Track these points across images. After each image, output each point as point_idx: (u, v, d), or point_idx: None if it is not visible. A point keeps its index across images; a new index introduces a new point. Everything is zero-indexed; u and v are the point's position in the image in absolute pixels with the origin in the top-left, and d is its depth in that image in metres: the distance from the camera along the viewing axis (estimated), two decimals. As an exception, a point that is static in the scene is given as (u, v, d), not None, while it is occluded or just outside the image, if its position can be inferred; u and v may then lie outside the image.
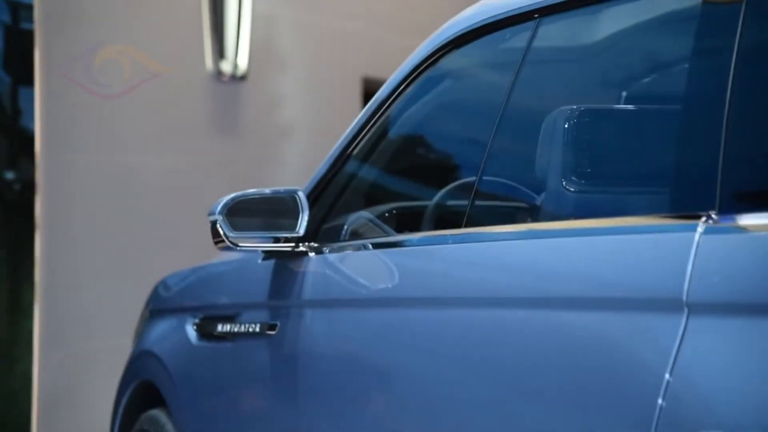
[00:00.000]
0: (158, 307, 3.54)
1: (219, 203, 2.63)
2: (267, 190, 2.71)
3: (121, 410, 3.47)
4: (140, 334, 3.59)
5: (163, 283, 3.64)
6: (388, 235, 2.75)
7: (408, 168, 3.02)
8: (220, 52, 5.46)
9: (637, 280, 1.74)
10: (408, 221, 2.80)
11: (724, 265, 1.61)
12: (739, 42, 1.72)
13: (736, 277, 1.60)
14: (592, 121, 2.21)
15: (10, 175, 5.01)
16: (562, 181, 2.15)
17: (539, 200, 2.32)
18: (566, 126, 2.17)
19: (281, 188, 2.74)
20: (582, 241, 1.93)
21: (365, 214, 2.81)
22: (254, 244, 2.73)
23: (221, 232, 2.60)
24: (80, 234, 4.93)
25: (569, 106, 2.19)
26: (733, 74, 1.70)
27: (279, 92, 5.88)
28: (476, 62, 2.67)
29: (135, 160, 5.23)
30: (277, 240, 2.67)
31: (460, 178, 2.72)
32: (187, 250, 4.61)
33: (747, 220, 1.61)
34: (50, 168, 4.80)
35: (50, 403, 4.88)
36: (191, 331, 3.18)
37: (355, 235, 2.76)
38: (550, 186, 2.23)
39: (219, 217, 2.59)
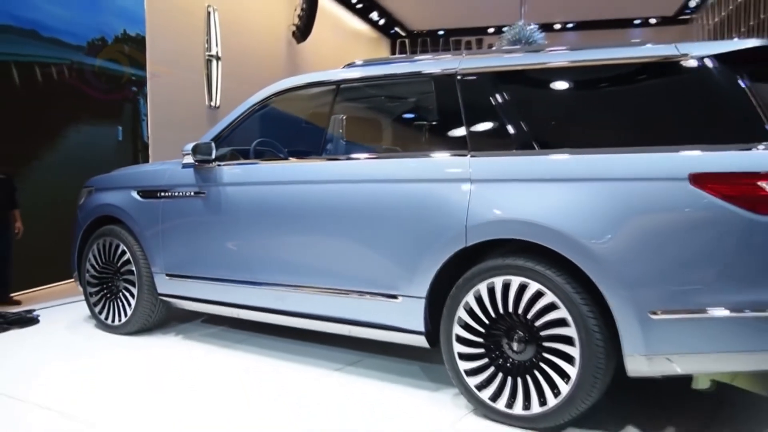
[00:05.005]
0: (100, 187, 4.39)
1: (188, 146, 3.83)
2: (201, 141, 3.77)
3: (84, 227, 4.39)
4: (86, 201, 4.36)
5: (100, 176, 4.47)
6: (243, 159, 3.86)
7: (252, 137, 3.96)
8: (209, 97, 9.07)
9: (450, 172, 2.91)
10: (247, 154, 3.89)
11: (480, 167, 2.91)
12: (460, 94, 3.04)
13: (465, 170, 2.80)
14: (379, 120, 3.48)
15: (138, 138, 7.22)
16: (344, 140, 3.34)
17: (326, 147, 3.46)
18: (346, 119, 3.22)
19: (206, 140, 3.87)
20: (412, 159, 3.00)
21: (229, 150, 3.94)
22: (199, 162, 3.85)
23: (191, 157, 3.83)
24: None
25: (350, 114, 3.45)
26: (463, 110, 3.02)
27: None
28: (304, 97, 3.79)
29: (181, 134, 7.22)
30: (206, 160, 3.88)
31: (278, 142, 3.82)
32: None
33: (480, 153, 2.92)
34: (154, 136, 7.76)
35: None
36: (136, 195, 4.11)
37: (231, 158, 3.90)
38: (333, 142, 3.37)
39: (189, 152, 3.93)
